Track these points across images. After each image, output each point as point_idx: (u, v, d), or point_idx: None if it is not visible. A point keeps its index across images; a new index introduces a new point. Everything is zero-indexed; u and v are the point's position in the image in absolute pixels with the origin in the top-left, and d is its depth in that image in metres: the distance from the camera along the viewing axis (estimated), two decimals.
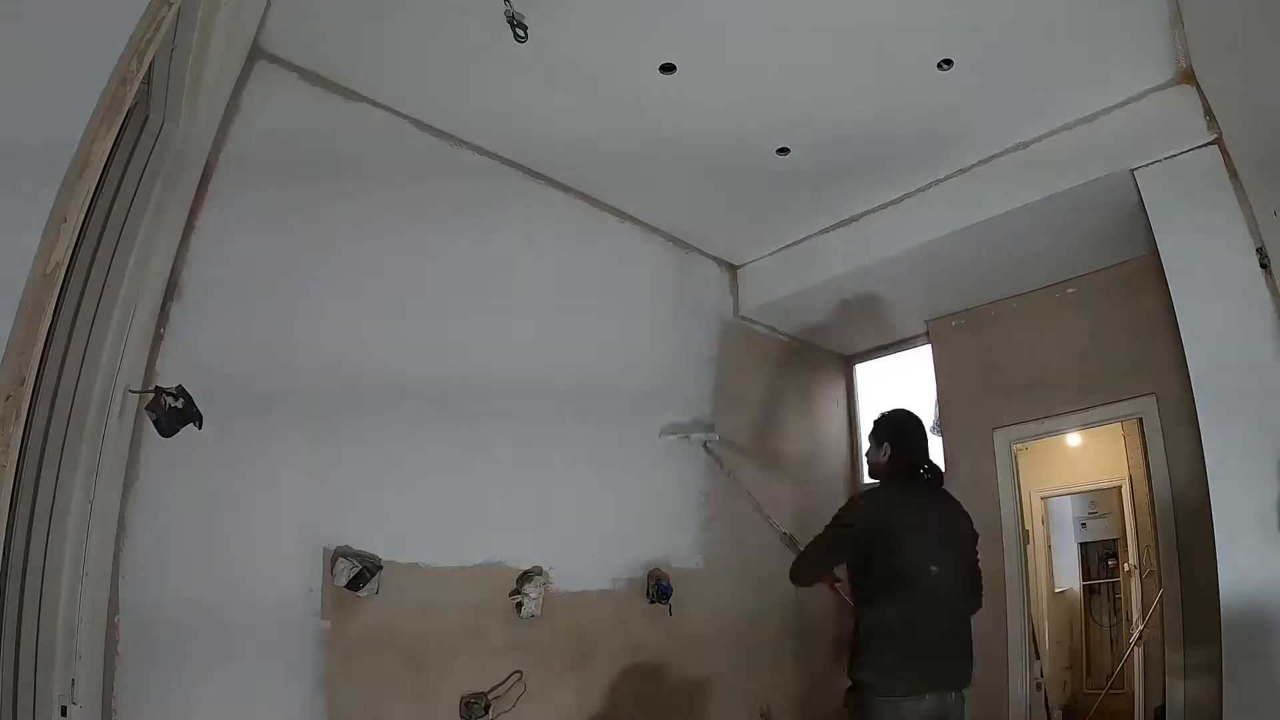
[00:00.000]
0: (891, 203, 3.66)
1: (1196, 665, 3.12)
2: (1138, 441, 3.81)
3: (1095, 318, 3.76)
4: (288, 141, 2.62)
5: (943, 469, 2.63)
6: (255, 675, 2.26)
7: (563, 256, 3.46)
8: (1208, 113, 2.74)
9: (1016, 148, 3.24)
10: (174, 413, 1.97)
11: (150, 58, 1.43)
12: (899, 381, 4.93)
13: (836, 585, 2.84)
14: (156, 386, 1.99)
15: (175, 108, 2.02)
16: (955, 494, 2.60)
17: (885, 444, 2.58)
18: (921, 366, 4.56)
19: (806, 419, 4.66)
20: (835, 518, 2.52)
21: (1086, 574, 5.63)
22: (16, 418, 1.17)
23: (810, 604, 4.28)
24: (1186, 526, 3.22)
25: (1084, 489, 5.25)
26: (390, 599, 2.55)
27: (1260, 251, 2.57)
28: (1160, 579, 3.50)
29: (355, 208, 2.77)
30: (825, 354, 4.93)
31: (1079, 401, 3.76)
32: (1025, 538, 3.97)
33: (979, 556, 2.60)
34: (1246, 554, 2.46)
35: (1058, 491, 5.26)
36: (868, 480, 4.79)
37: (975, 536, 2.58)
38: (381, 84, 2.84)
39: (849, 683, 2.38)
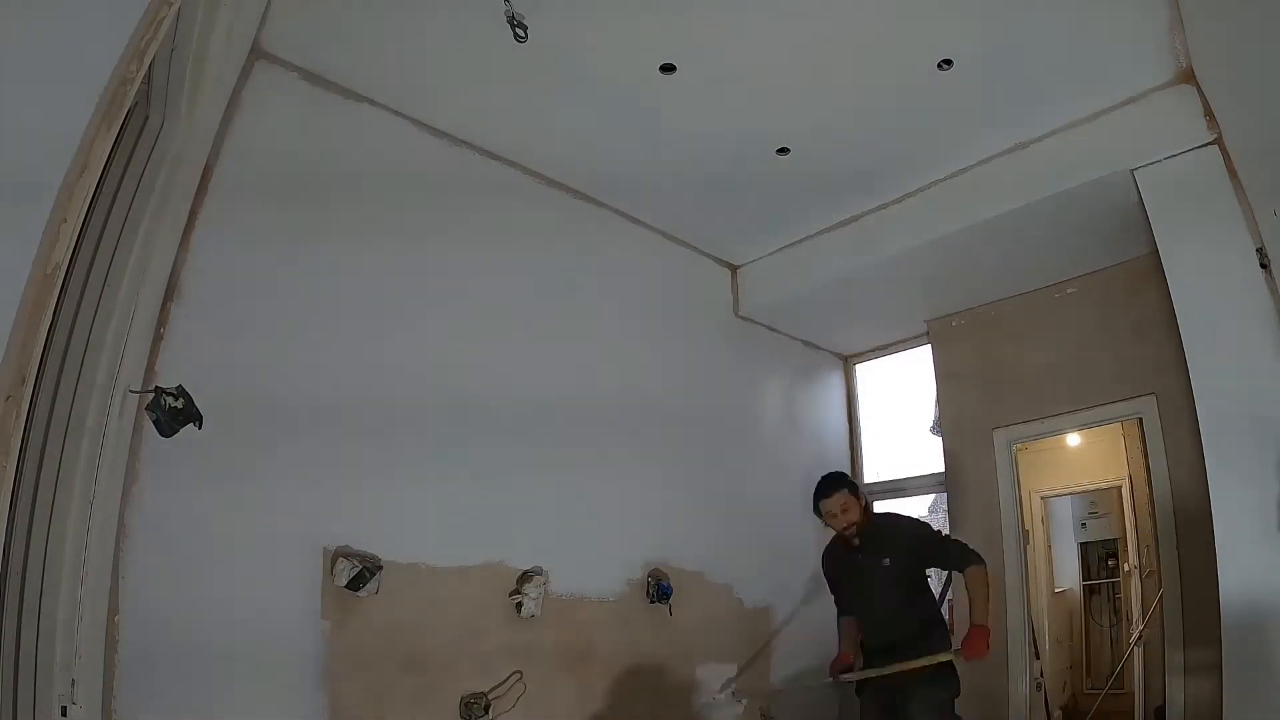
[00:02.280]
0: (891, 203, 3.66)
1: (1196, 665, 3.12)
2: (1138, 441, 3.81)
3: (1095, 318, 3.76)
4: (288, 141, 2.62)
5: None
6: (256, 675, 2.26)
7: (562, 256, 3.45)
8: (1208, 113, 2.74)
9: (1016, 148, 3.24)
10: (174, 413, 1.96)
11: (150, 58, 1.43)
12: (899, 381, 4.94)
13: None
14: (156, 386, 1.99)
15: (175, 108, 2.02)
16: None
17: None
18: (921, 366, 4.57)
19: (806, 419, 4.66)
20: None
21: (1086, 574, 5.63)
22: (16, 418, 1.17)
23: (811, 603, 4.29)
24: (1186, 526, 3.22)
25: (1084, 489, 5.25)
26: (390, 599, 2.55)
27: (1260, 251, 2.57)
28: (1160, 579, 3.50)
29: (355, 208, 2.77)
30: (825, 354, 4.93)
31: (1079, 401, 3.76)
32: (1025, 538, 3.97)
33: (936, 543, 2.91)
34: (1246, 554, 2.47)
35: (1058, 491, 5.26)
36: (868, 481, 4.83)
37: (919, 538, 2.90)
38: (382, 84, 2.84)
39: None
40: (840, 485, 2.90)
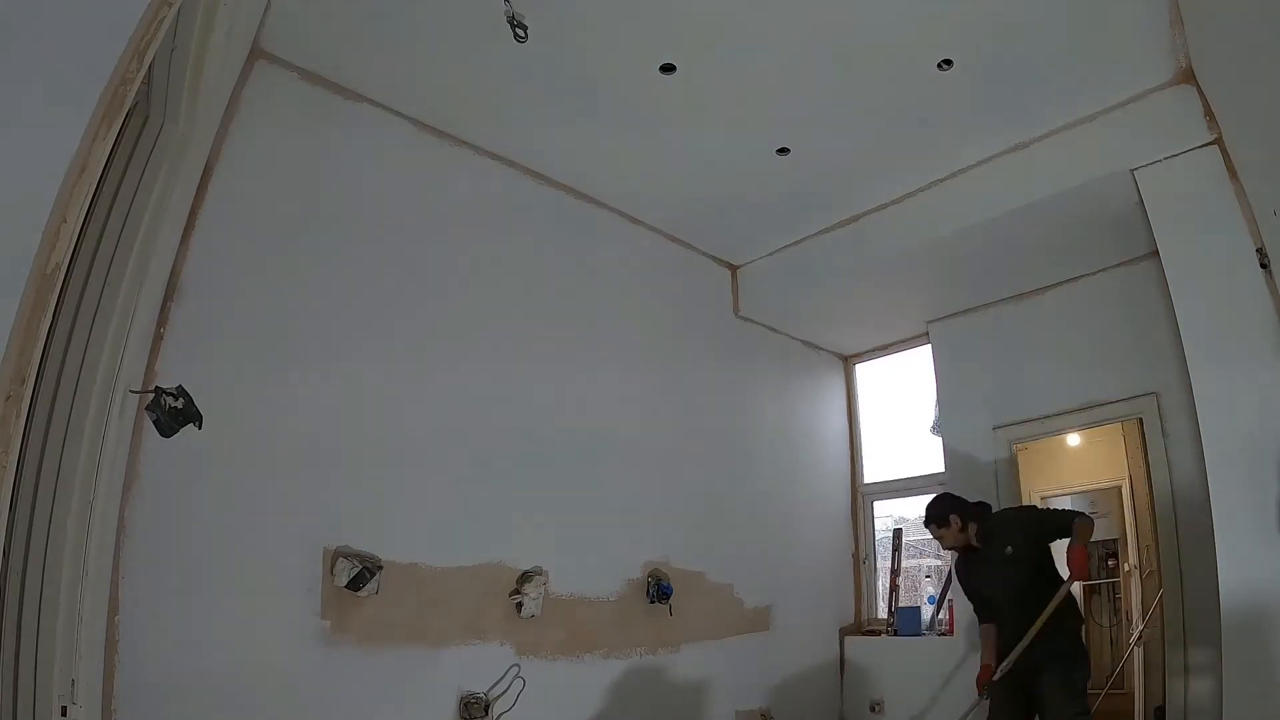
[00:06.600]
0: (891, 203, 3.67)
1: (1196, 665, 3.12)
2: (1138, 441, 3.80)
3: (1095, 318, 3.76)
4: (288, 141, 2.62)
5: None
6: (256, 676, 2.26)
7: (562, 256, 3.46)
8: (1208, 113, 2.74)
9: (1016, 148, 3.24)
10: (174, 413, 1.96)
11: (150, 58, 1.42)
12: (899, 381, 4.94)
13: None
14: (156, 386, 1.99)
15: (175, 108, 2.01)
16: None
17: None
18: (921, 366, 4.57)
19: (806, 419, 4.65)
20: None
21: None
22: (16, 418, 1.17)
23: (811, 603, 4.28)
24: (1186, 526, 3.22)
25: (1084, 489, 5.24)
26: (390, 599, 2.55)
27: (1260, 251, 2.57)
28: (1160, 579, 3.50)
29: (354, 207, 2.77)
30: (825, 354, 4.93)
31: (1079, 401, 3.76)
32: None
33: (1041, 518, 3.11)
34: (1246, 554, 2.47)
35: (1058, 491, 5.25)
36: (868, 481, 4.83)
37: (1027, 520, 3.13)
38: (382, 84, 2.84)
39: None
40: (929, 520, 3.16)
